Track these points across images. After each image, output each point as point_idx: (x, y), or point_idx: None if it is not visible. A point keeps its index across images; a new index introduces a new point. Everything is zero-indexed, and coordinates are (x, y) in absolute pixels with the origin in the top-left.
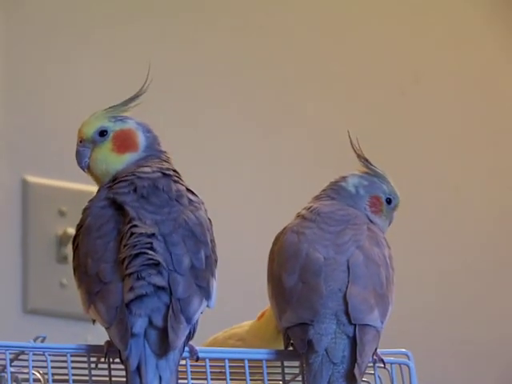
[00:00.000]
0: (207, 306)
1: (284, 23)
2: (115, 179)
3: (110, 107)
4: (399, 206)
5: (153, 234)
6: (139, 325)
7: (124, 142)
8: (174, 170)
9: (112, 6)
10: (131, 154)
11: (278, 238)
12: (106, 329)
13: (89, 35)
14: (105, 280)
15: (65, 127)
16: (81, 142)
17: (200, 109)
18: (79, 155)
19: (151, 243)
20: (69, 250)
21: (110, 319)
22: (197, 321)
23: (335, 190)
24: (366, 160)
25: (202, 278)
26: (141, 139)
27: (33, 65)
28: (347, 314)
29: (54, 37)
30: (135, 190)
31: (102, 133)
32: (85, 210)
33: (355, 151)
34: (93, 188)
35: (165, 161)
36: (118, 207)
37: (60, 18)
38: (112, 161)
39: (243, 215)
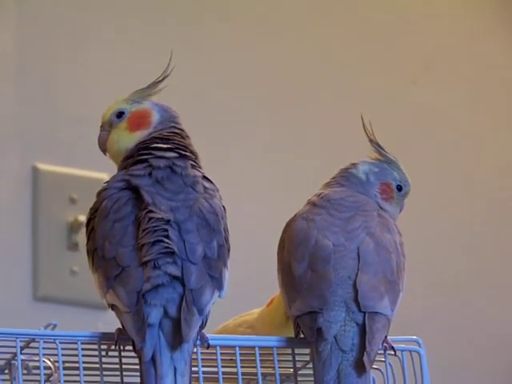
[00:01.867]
0: (219, 296)
1: (294, 15)
2: (128, 158)
3: (132, 93)
4: (409, 193)
5: (169, 221)
6: (154, 315)
7: (137, 121)
8: (192, 152)
9: None
10: (142, 131)
11: (288, 225)
12: (125, 314)
13: (101, 23)
14: (123, 264)
15: (75, 115)
16: (101, 126)
17: (210, 92)
18: (99, 139)
19: (167, 230)
20: (79, 237)
21: (130, 304)
22: (209, 311)
23: (345, 177)
24: (378, 145)
25: (214, 268)
26: (154, 117)
27: (43, 52)
28: (357, 301)
29: (65, 24)
30: (150, 174)
31: (119, 114)
32: (100, 192)
33: (367, 135)
34: (104, 175)
35: (178, 134)
36: (135, 191)
37: (72, 6)
38: (123, 139)
39: (255, 202)
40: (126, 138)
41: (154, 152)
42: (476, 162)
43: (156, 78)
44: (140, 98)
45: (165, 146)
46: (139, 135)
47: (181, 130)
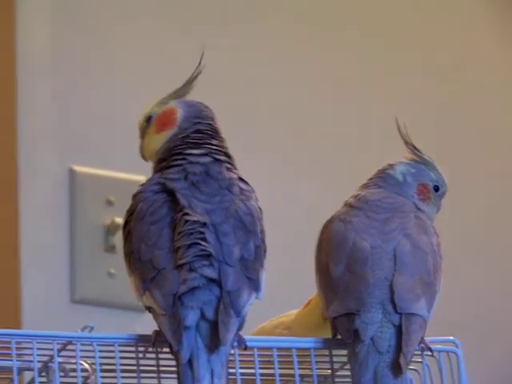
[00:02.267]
0: (256, 297)
1: (323, 16)
2: (161, 160)
3: (167, 95)
4: (446, 193)
5: (205, 224)
6: (191, 318)
7: (162, 121)
8: (226, 154)
9: None
10: (168, 131)
11: (325, 227)
12: (161, 316)
13: (136, 21)
14: (159, 267)
15: (112, 116)
16: (140, 133)
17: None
18: (139, 148)
19: (204, 233)
20: (117, 239)
21: (166, 306)
22: (246, 313)
23: (382, 178)
24: (414, 146)
25: (251, 269)
26: (179, 114)
27: (79, 53)
28: (393, 302)
29: (99, 25)
30: (186, 178)
31: (148, 119)
32: (136, 195)
33: (402, 137)
34: (141, 177)
35: (205, 132)
36: (170, 193)
37: (107, 6)
38: (152, 142)
39: (291, 203)
40: (154, 141)
41: (188, 157)
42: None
43: (190, 76)
44: (170, 98)
45: (198, 152)
46: (165, 135)
47: (208, 124)
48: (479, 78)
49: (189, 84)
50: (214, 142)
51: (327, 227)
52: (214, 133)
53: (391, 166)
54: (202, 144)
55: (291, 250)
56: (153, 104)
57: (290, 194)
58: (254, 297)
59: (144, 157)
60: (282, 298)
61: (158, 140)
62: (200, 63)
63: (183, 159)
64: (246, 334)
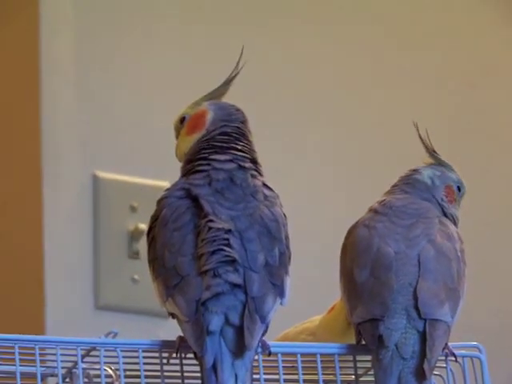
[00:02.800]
0: (281, 303)
1: (352, 22)
2: (187, 162)
3: (205, 95)
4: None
5: (229, 230)
6: (215, 323)
7: (193, 123)
8: (252, 160)
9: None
10: (197, 133)
11: (350, 232)
12: (184, 323)
13: (160, 27)
14: (182, 273)
15: (135, 122)
16: (175, 134)
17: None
18: (175, 148)
19: (228, 239)
20: (140, 245)
21: (189, 313)
22: (271, 318)
23: (410, 184)
24: (434, 150)
25: (276, 275)
26: (209, 117)
27: (104, 59)
28: (417, 308)
29: (124, 30)
30: (210, 184)
31: (182, 120)
32: (160, 200)
33: (422, 141)
34: (164, 183)
35: (231, 135)
36: (194, 199)
37: (130, 10)
38: (182, 144)
39: (317, 210)
40: (185, 143)
41: (212, 163)
42: None
43: (228, 77)
44: (205, 99)
45: (223, 158)
46: (195, 137)
47: (235, 127)
48: (496, 83)
49: (225, 85)
50: (240, 146)
51: (352, 232)
52: (241, 136)
53: (415, 171)
54: (227, 148)
55: (316, 256)
56: (187, 106)
57: (314, 198)
58: (279, 303)
59: (177, 157)
60: (305, 304)
61: (188, 142)
62: (238, 64)
63: (208, 164)
64: (270, 340)
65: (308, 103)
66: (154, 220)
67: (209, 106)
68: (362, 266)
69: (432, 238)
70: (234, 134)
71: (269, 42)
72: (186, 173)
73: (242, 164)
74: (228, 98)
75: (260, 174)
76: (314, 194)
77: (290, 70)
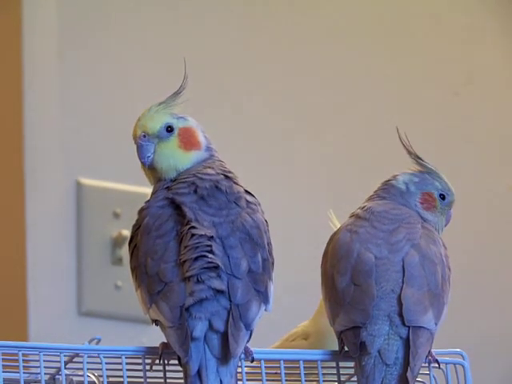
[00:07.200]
0: (265, 310)
1: (341, 22)
2: (176, 179)
3: (161, 102)
4: (454, 203)
5: (212, 237)
6: (199, 328)
7: (189, 139)
8: (231, 171)
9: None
10: (196, 152)
11: (331, 238)
12: (168, 328)
13: (142, 36)
14: (166, 280)
15: (118, 129)
16: (144, 136)
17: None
18: (143, 150)
19: (211, 246)
20: (123, 252)
21: (173, 319)
22: (255, 325)
23: (386, 189)
24: (418, 156)
25: (260, 282)
26: (201, 138)
27: (86, 66)
28: (401, 315)
29: (106, 38)
30: (195, 191)
31: (168, 128)
32: (142, 210)
33: (405, 148)
34: (147, 190)
35: (222, 161)
36: (177, 207)
37: (113, 18)
38: (179, 157)
39: (299, 215)
40: (183, 156)
41: (197, 174)
42: None
43: (177, 89)
44: (165, 108)
45: (210, 171)
46: (194, 155)
47: (216, 151)
48: (490, 91)
49: (175, 96)
50: (226, 166)
51: (333, 238)
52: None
53: (394, 176)
54: (217, 167)
55: (298, 262)
56: (162, 112)
57: (295, 206)
58: (264, 309)
59: (151, 161)
60: (297, 311)
61: (188, 158)
62: (185, 78)
63: (193, 176)
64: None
65: (295, 110)
66: (136, 229)
67: (196, 124)
68: (343, 272)
69: (416, 242)
70: (220, 160)
71: (255, 48)
72: (170, 186)
73: (227, 174)
74: (213, 106)
75: (240, 182)
76: (294, 199)
77: (276, 76)
